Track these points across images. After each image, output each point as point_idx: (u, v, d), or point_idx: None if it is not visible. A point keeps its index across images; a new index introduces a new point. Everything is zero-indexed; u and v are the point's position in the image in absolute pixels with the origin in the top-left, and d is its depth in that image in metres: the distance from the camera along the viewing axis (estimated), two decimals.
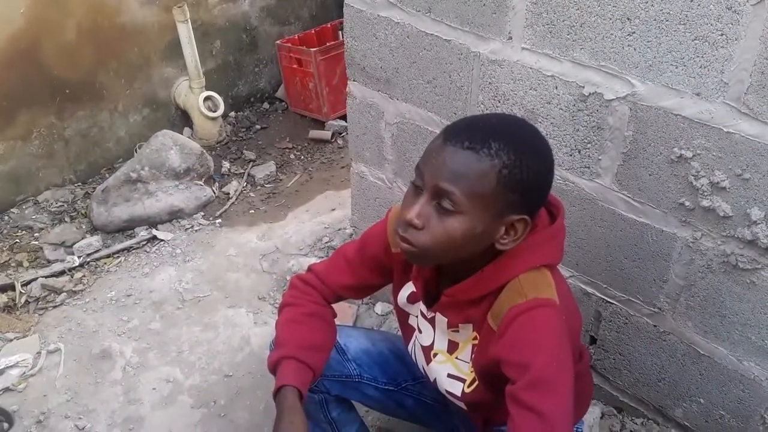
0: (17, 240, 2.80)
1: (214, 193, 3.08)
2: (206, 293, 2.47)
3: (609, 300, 1.63)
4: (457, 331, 1.24)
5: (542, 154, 1.12)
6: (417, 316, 1.34)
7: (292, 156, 3.48)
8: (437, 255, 1.12)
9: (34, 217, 2.94)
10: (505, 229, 1.10)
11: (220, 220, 2.94)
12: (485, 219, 1.07)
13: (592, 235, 1.59)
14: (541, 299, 1.10)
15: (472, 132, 1.07)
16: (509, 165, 1.04)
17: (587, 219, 1.58)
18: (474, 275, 1.15)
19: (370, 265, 1.37)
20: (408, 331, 1.39)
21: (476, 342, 1.21)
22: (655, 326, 1.56)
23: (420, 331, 1.33)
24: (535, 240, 1.13)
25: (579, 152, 1.53)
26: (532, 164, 1.07)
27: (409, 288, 1.33)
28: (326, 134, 3.60)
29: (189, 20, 3.23)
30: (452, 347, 1.27)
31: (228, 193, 3.13)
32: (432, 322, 1.28)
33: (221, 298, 2.44)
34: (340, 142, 3.56)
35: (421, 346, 1.33)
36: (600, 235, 1.58)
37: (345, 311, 2.27)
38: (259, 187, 3.22)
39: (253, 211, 3.03)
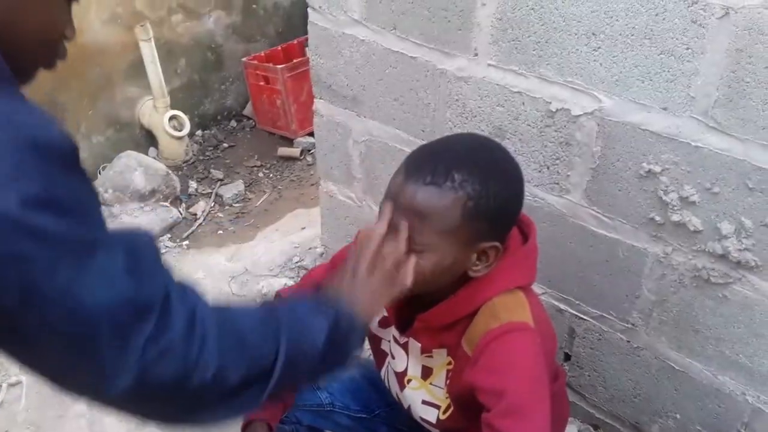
0: None
1: (181, 214, 3.02)
2: None
3: (582, 316, 1.62)
4: (431, 357, 1.21)
5: (510, 180, 1.09)
6: (389, 341, 1.31)
7: (260, 174, 3.43)
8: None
9: None
10: (477, 257, 1.07)
11: (187, 242, 2.87)
12: (454, 251, 1.04)
13: (563, 252, 1.57)
14: (515, 323, 1.07)
15: (434, 164, 1.03)
16: (474, 196, 1.01)
17: (558, 235, 1.57)
18: (447, 300, 1.12)
19: None
20: (381, 356, 1.36)
21: (451, 367, 1.18)
22: (628, 342, 1.55)
23: (393, 357, 1.30)
24: (508, 262, 1.10)
25: (548, 168, 1.52)
26: (500, 191, 1.04)
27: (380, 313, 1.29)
28: (295, 151, 3.56)
29: (152, 39, 3.17)
30: (426, 373, 1.24)
31: (195, 214, 3.07)
32: (405, 347, 1.25)
33: None
34: (309, 159, 3.52)
35: (395, 372, 1.30)
36: (571, 251, 1.56)
37: None
38: (227, 207, 3.16)
39: (221, 232, 2.98)
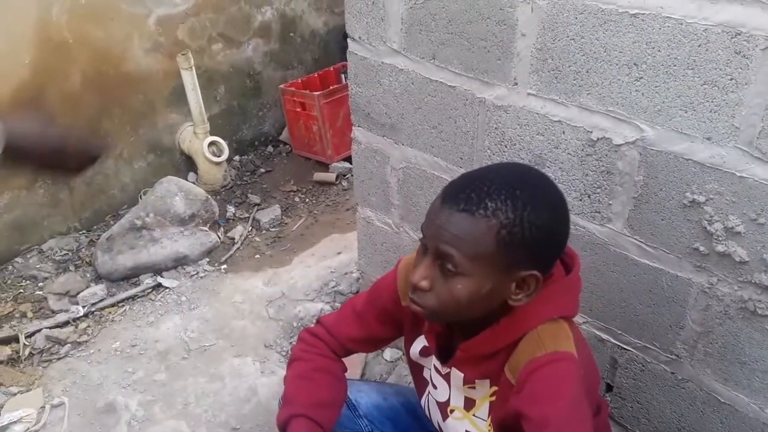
0: (21, 290, 2.78)
1: (219, 238, 3.06)
2: (212, 342, 2.43)
3: (624, 347, 1.60)
4: (474, 388, 1.21)
5: (550, 209, 1.08)
6: (431, 369, 1.31)
7: (297, 199, 3.47)
8: (448, 315, 1.10)
9: (38, 266, 2.92)
10: (516, 285, 1.07)
11: (225, 266, 2.91)
12: (491, 278, 1.05)
13: (605, 281, 1.56)
14: (560, 353, 1.08)
15: (469, 192, 1.05)
16: (507, 225, 1.02)
17: (599, 264, 1.56)
18: (488, 329, 1.12)
19: (380, 318, 1.34)
20: (422, 384, 1.36)
21: (494, 399, 1.18)
22: (673, 373, 1.53)
23: (434, 387, 1.30)
24: (550, 291, 1.10)
25: (589, 197, 1.51)
26: (535, 220, 1.04)
27: (421, 342, 1.30)
28: (331, 176, 3.60)
29: (193, 67, 3.25)
30: (469, 404, 1.24)
31: (233, 238, 3.11)
32: (447, 378, 1.25)
33: (227, 347, 2.40)
34: (344, 184, 3.56)
35: (436, 401, 1.30)
36: (613, 280, 1.55)
37: (354, 357, 2.22)
38: (264, 232, 3.20)
39: (258, 256, 3.01)
